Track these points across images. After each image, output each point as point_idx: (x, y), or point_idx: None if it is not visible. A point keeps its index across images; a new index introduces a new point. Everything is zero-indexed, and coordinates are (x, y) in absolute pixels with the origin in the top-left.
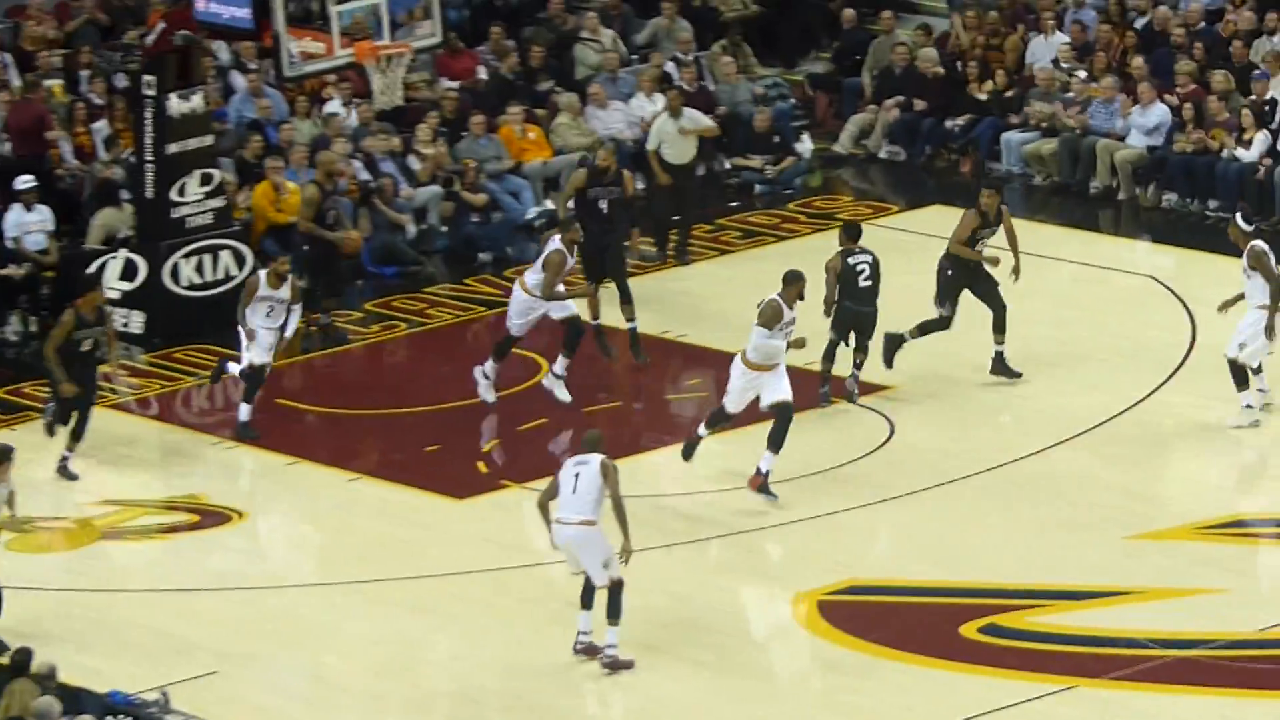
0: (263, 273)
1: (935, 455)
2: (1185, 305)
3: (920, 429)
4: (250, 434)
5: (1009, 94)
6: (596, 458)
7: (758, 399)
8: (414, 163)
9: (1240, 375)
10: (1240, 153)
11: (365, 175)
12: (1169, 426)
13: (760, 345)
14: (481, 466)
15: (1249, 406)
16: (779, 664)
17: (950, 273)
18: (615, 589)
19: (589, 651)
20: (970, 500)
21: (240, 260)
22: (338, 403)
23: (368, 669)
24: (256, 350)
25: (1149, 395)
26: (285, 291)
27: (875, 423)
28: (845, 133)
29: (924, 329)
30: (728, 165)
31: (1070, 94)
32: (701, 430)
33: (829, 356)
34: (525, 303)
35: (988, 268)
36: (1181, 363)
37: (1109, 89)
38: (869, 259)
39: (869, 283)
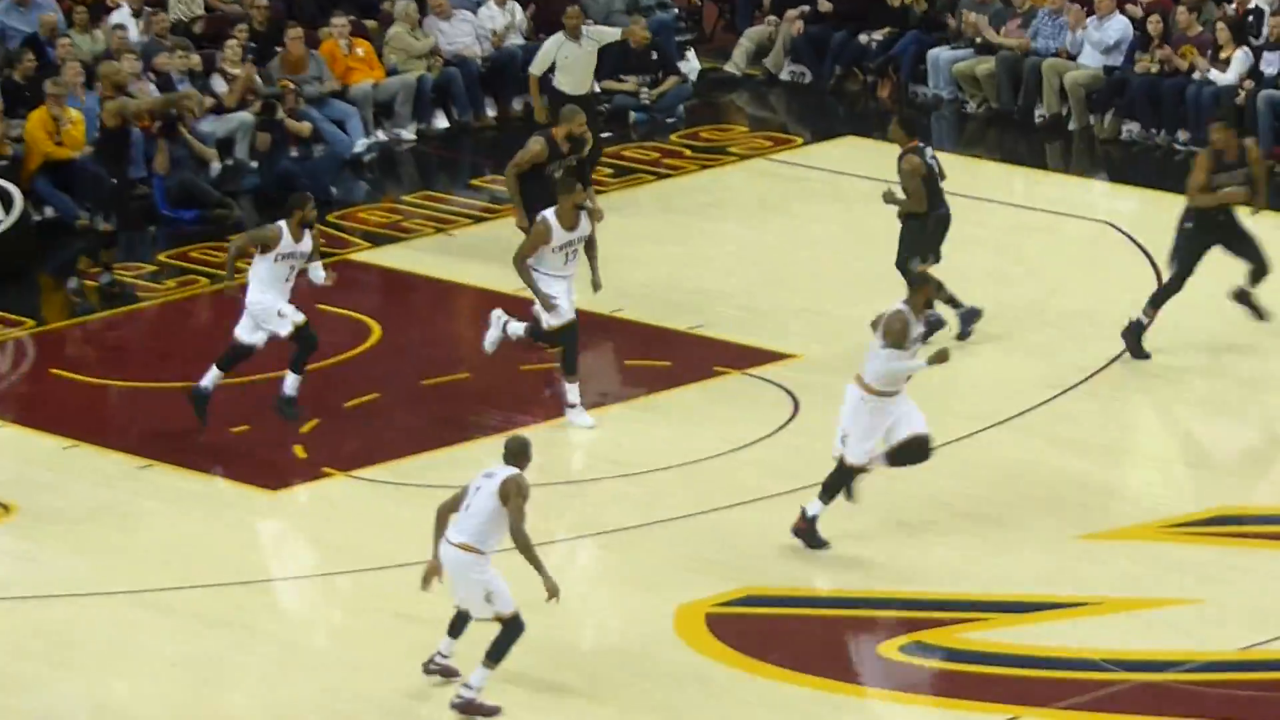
0: (283, 222)
1: None
2: (1150, 257)
3: (831, 407)
4: (291, 413)
5: (936, 2)
6: (504, 473)
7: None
8: (218, 85)
9: None
10: (1215, 74)
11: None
12: (1133, 403)
13: (888, 369)
14: (300, 451)
15: None
16: (660, 690)
17: (1190, 226)
18: (508, 628)
19: (444, 674)
20: (890, 492)
21: (7, 201)
22: (125, 374)
23: (163, 695)
24: (281, 322)
25: (1108, 365)
26: (308, 243)
27: (776, 399)
28: (739, 49)
29: (1156, 300)
30: (597, 89)
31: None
32: (814, 507)
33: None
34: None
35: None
36: (1148, 325)
37: None
38: (932, 152)
39: (942, 180)
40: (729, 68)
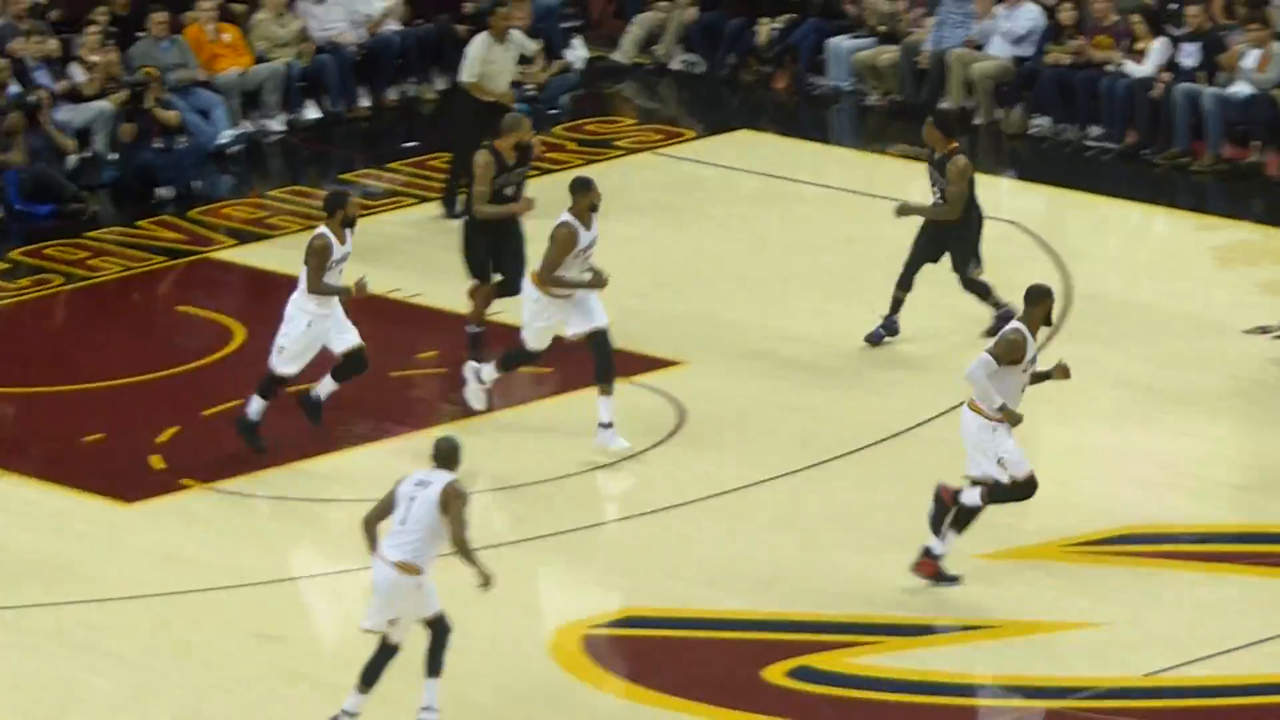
0: (324, 227)
1: (734, 449)
2: (1058, 259)
3: (716, 416)
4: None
5: None
6: (442, 479)
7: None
8: (77, 73)
9: None
10: (1130, 66)
11: (15, 88)
12: (1036, 415)
13: (975, 379)
14: (157, 461)
15: None
16: (534, 717)
17: None
18: (384, 651)
19: None
20: (778, 508)
21: None
22: None
23: None
24: (339, 337)
25: None
26: (349, 244)
27: (658, 407)
28: (628, 37)
29: None
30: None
31: None
32: (940, 546)
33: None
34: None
35: None
36: (1053, 333)
37: None
38: None
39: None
40: (617, 56)
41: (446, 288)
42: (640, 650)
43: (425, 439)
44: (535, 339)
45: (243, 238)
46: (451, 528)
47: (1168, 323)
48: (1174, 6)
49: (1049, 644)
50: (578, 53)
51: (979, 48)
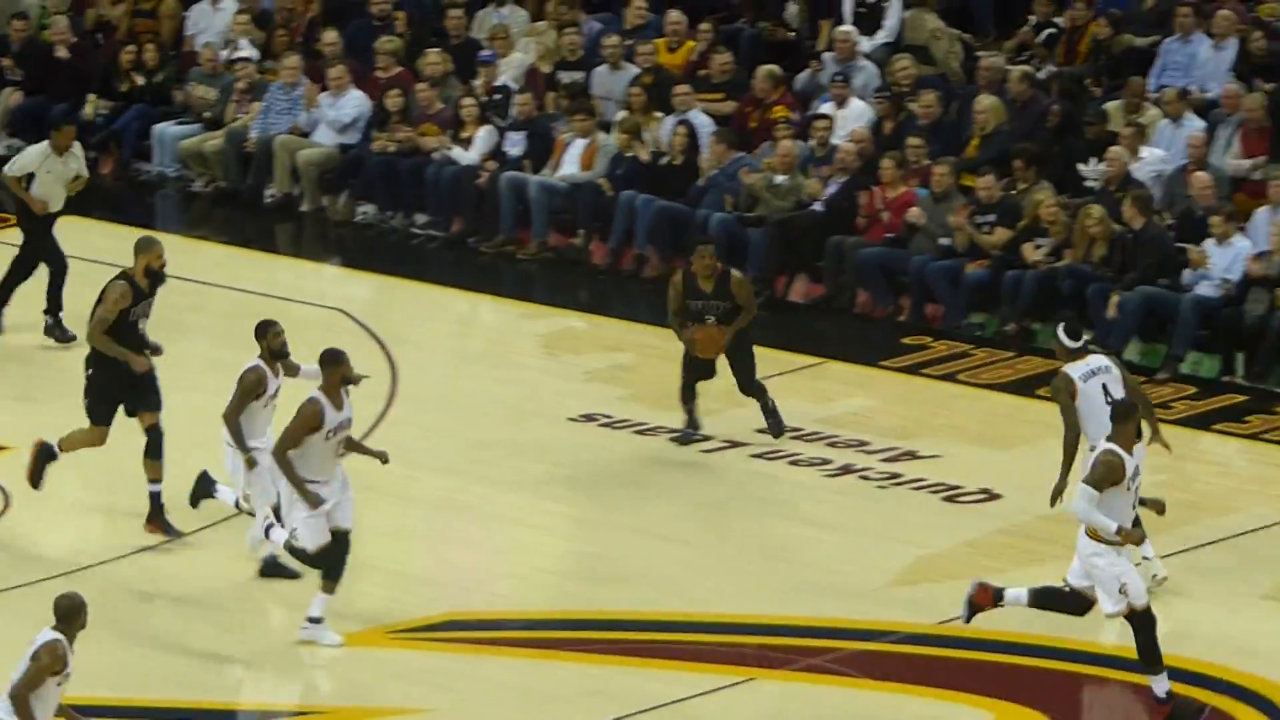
0: (257, 360)
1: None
2: (384, 346)
3: (42, 504)
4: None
5: (162, 75)
6: (44, 638)
7: None
8: None
9: None
10: (458, 153)
11: None
12: (361, 501)
13: (1079, 509)
14: None
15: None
16: None
17: None
18: None
19: None
20: (111, 594)
21: None
22: None
23: None
24: (262, 481)
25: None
26: (282, 375)
27: None
28: None
29: None
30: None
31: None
32: (1160, 686)
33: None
34: None
35: None
36: (379, 419)
37: (291, 71)
38: None
39: None
40: None
41: None
42: None
43: None
44: (312, 537)
45: None
46: (22, 677)
47: (494, 410)
48: (499, 98)
49: None
50: None
51: (305, 135)
